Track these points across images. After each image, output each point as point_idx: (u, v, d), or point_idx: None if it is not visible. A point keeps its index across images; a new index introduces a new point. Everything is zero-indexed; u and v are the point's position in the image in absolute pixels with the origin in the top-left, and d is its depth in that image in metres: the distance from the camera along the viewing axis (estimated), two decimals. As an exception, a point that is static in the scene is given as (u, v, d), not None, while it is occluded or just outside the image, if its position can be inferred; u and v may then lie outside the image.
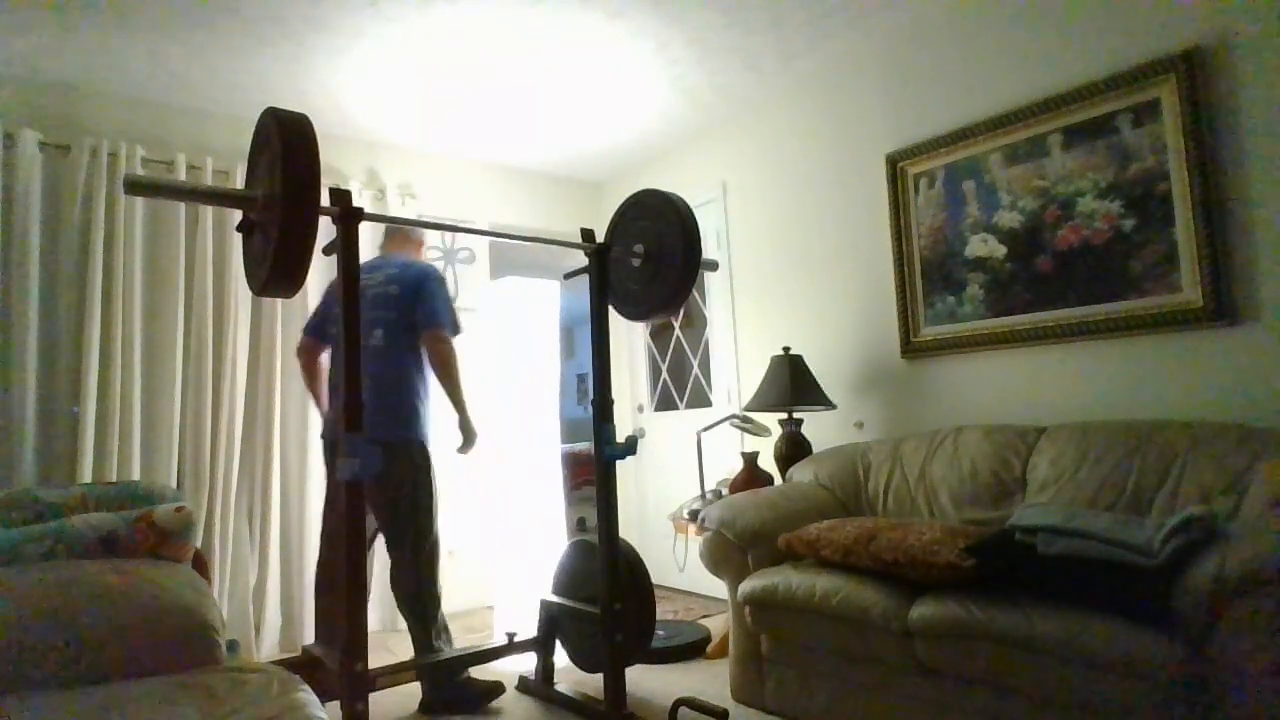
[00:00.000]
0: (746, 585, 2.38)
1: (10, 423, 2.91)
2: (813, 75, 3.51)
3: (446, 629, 2.60)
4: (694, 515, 3.08)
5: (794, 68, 3.45)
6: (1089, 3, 2.55)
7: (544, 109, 3.74)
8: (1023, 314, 2.72)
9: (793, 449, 3.14)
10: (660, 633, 3.18)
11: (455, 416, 2.64)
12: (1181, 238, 2.33)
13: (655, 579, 2.69)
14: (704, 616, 3.57)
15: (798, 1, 2.89)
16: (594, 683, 2.68)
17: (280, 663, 1.93)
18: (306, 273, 1.59)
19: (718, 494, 3.25)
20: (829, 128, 3.47)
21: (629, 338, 4.74)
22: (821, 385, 3.15)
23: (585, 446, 7.10)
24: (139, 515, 1.92)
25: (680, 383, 4.45)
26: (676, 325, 4.47)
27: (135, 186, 1.56)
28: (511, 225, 4.49)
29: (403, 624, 2.43)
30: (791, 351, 3.17)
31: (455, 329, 2.64)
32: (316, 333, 2.75)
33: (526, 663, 2.87)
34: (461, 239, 4.25)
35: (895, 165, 3.12)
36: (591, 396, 2.42)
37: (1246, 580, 1.47)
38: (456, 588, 4.04)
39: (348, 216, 1.88)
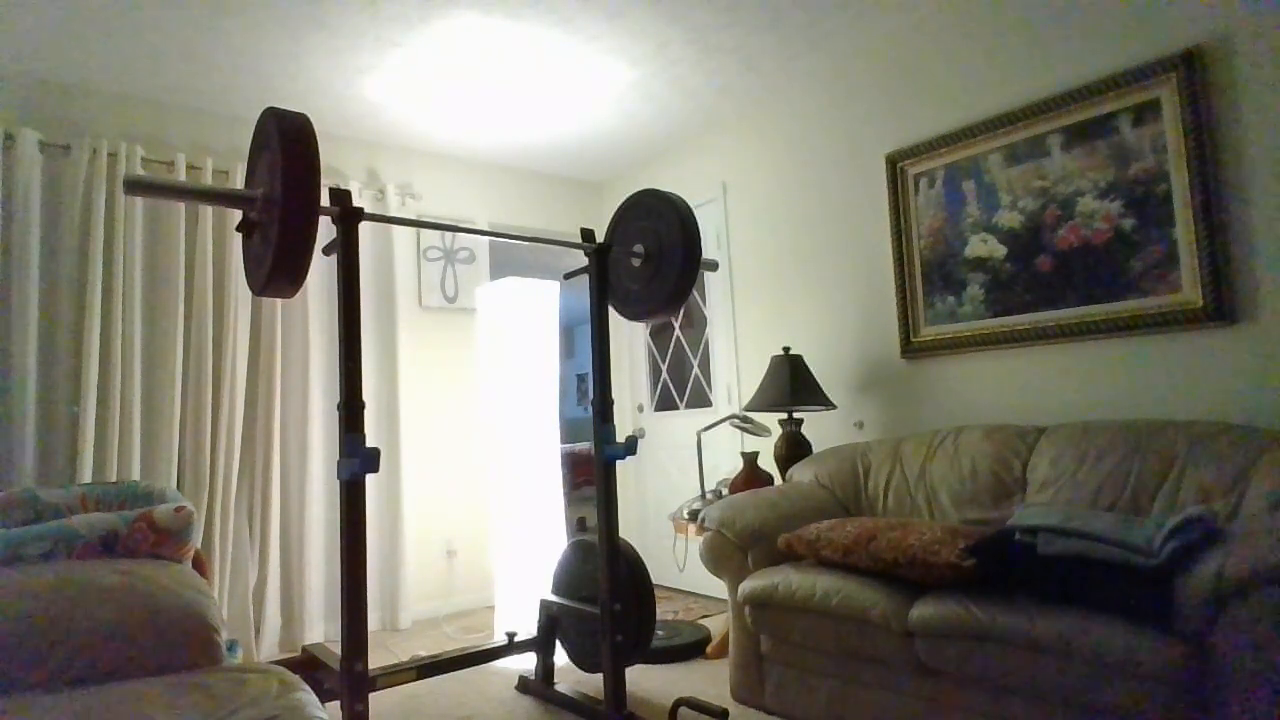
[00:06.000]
0: (746, 585, 2.38)
1: (10, 423, 2.92)
2: (813, 75, 3.51)
3: None
4: (694, 515, 3.08)
5: (794, 68, 3.45)
6: (1088, 3, 2.56)
7: (544, 109, 3.74)
8: (1023, 314, 2.72)
9: (793, 449, 3.14)
10: (660, 633, 3.18)
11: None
12: (1181, 238, 2.33)
13: (655, 579, 2.70)
14: (704, 616, 3.57)
15: (798, 1, 2.89)
16: (594, 683, 2.68)
17: (280, 663, 1.93)
18: (306, 273, 1.59)
19: (718, 494, 3.25)
20: (829, 128, 3.47)
21: (629, 338, 4.74)
22: (821, 385, 3.15)
23: (585, 446, 7.10)
24: (139, 515, 1.92)
25: (680, 383, 4.45)
26: (676, 325, 4.47)
27: (135, 186, 1.56)
28: (511, 225, 4.49)
29: (403, 624, 2.40)
30: (791, 351, 3.17)
31: None
32: None
33: (526, 663, 2.87)
34: (461, 239, 4.25)
35: (895, 165, 3.12)
36: (591, 397, 2.42)
37: (1246, 580, 1.47)
38: (456, 588, 4.06)
39: (348, 216, 1.88)
